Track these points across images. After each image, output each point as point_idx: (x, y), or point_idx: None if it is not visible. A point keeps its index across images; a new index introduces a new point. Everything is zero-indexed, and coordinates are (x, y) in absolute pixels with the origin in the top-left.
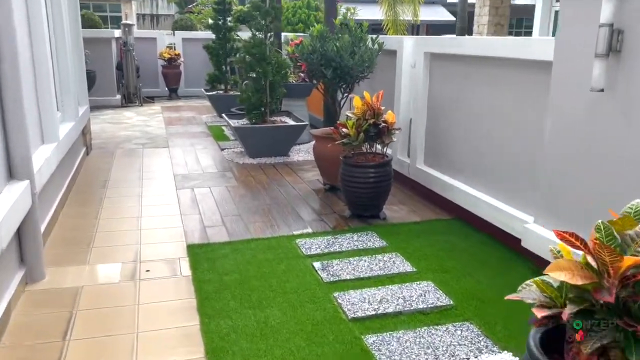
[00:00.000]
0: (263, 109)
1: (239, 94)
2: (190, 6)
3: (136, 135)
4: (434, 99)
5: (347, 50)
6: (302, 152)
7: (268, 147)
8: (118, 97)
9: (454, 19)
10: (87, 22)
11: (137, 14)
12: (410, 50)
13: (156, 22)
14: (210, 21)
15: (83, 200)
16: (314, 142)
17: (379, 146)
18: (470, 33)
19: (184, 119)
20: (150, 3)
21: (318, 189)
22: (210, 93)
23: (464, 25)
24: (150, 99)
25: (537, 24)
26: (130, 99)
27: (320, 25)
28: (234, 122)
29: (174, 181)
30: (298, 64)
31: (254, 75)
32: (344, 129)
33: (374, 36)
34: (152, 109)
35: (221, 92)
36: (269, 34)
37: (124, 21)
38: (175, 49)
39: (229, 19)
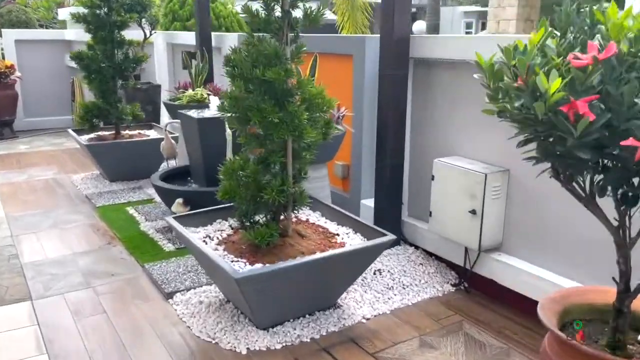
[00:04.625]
0: (277, 204)
1: (138, 138)
2: None
3: None
4: None
5: None
6: (358, 287)
7: (302, 297)
8: None
9: None
10: None
11: None
12: None
13: None
14: (82, 10)
15: None
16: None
17: None
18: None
19: (38, 187)
20: None
21: None
22: (89, 137)
23: (437, 21)
24: None
25: None
26: None
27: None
28: (231, 260)
29: None
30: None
31: (252, 128)
32: None
33: None
34: None
35: (107, 133)
36: (291, 36)
37: None
38: (4, 58)
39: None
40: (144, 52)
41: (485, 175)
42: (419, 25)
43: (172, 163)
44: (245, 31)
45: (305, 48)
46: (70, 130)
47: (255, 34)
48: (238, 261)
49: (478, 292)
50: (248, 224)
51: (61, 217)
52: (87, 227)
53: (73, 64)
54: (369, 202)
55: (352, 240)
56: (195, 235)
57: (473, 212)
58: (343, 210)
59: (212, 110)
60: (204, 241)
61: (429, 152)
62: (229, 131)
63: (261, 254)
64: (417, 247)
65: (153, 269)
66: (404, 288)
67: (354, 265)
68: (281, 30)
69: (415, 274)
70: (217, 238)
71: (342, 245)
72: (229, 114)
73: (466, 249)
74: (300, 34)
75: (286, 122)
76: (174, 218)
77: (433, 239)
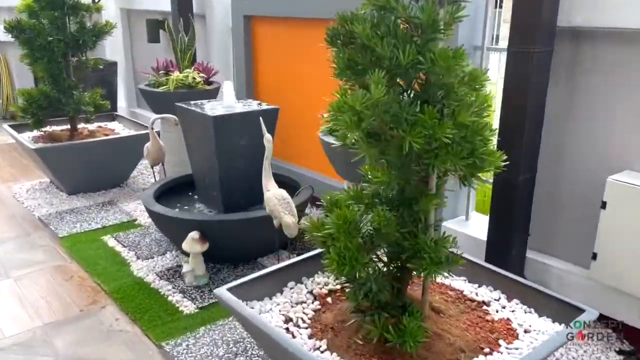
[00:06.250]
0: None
1: (104, 136)
2: None
3: None
4: None
5: None
6: None
7: None
8: None
9: None
10: None
11: None
12: None
13: None
14: None
15: None
16: None
17: None
18: None
19: None
20: None
21: None
22: (34, 135)
23: None
24: None
25: None
26: None
27: None
28: None
29: None
30: None
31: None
32: None
33: None
34: None
35: (59, 130)
36: None
37: None
38: None
39: None
40: (107, 21)
41: None
42: None
43: (158, 170)
44: None
45: (465, 11)
46: (6, 126)
47: None
48: None
49: None
50: (372, 306)
51: (11, 257)
52: (54, 273)
53: None
54: (454, 225)
55: (520, 316)
56: (267, 316)
57: None
58: (474, 259)
59: (228, 102)
60: (287, 329)
61: (576, 163)
62: (268, 136)
63: (396, 354)
64: None
65: (177, 352)
66: None
67: None
68: None
69: None
70: (303, 321)
71: (508, 326)
72: (352, 132)
73: None
74: None
75: (456, 141)
76: (229, 290)
77: (586, 287)
